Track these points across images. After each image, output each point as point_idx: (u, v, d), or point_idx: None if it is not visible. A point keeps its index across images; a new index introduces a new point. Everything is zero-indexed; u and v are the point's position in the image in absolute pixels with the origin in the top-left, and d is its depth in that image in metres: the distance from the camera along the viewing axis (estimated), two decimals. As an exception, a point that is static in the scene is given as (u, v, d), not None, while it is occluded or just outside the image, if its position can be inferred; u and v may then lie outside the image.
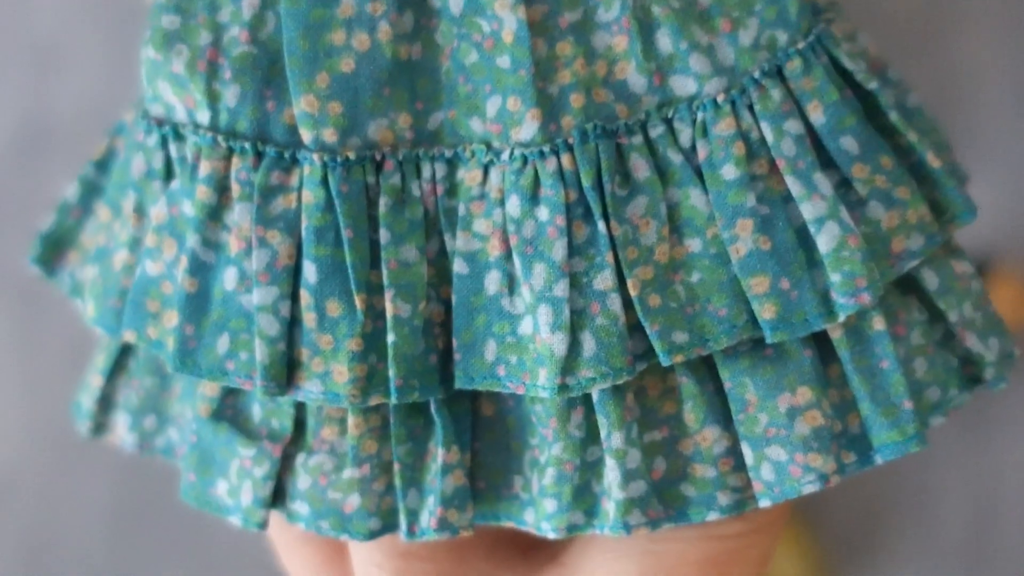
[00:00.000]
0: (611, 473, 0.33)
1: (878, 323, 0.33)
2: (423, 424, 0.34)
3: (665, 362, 0.32)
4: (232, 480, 0.35)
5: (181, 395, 0.37)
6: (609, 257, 0.32)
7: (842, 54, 0.33)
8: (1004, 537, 0.68)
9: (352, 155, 0.33)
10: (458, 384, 0.33)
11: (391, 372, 0.33)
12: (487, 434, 0.35)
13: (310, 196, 0.33)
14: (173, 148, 0.34)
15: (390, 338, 0.33)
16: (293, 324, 0.33)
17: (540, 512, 0.34)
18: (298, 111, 0.33)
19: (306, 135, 0.33)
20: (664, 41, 0.32)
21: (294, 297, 0.33)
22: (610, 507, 0.33)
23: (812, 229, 0.32)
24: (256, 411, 0.35)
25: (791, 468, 0.33)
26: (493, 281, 0.33)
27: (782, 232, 0.32)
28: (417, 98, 0.33)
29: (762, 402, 0.33)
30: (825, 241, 0.32)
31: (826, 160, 0.33)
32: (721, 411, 0.34)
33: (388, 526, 0.35)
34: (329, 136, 0.33)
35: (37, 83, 0.68)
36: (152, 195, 0.35)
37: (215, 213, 0.33)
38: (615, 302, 0.32)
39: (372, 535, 0.34)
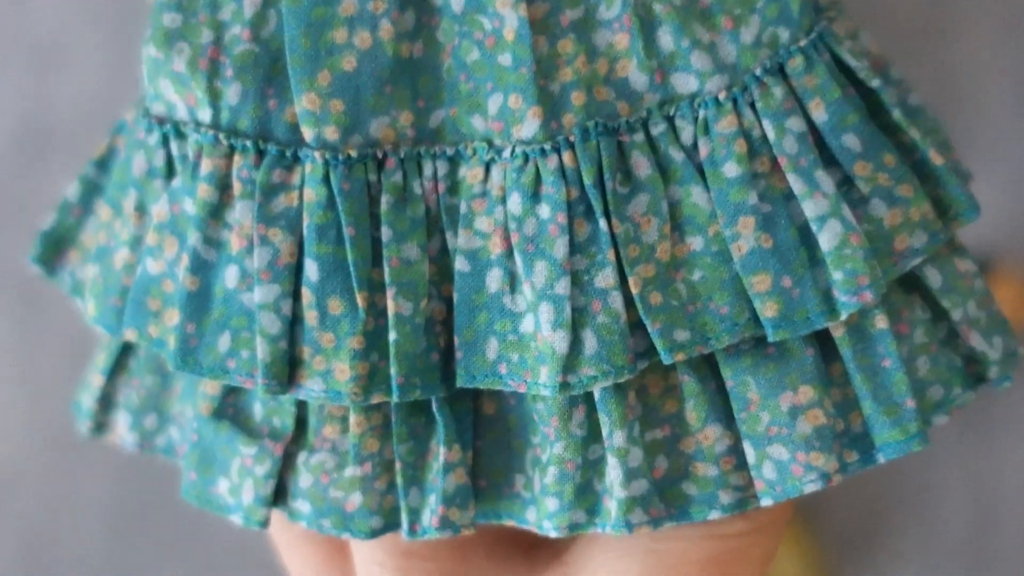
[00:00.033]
0: (613, 471, 0.33)
1: (880, 321, 0.33)
2: (425, 422, 0.34)
3: (666, 360, 0.32)
4: (233, 479, 0.35)
5: (182, 394, 0.37)
6: (610, 255, 0.32)
7: (844, 52, 0.33)
8: (1004, 537, 0.68)
9: (354, 153, 0.33)
10: (460, 382, 0.33)
11: (393, 370, 0.33)
12: (489, 433, 0.35)
13: (312, 194, 0.33)
14: (174, 146, 0.34)
15: (392, 336, 0.33)
16: (295, 322, 0.33)
17: (542, 511, 0.34)
18: (300, 109, 0.33)
19: (308, 133, 0.33)
20: (665, 39, 0.32)
21: (295, 295, 0.33)
22: (612, 506, 0.33)
23: (814, 227, 0.32)
24: (257, 409, 0.35)
25: (793, 467, 0.33)
26: (494, 279, 0.33)
27: (784, 230, 0.32)
28: (419, 96, 0.33)
29: (764, 401, 0.33)
30: (827, 239, 0.32)
31: (828, 158, 0.33)
32: (723, 410, 0.34)
33: (390, 525, 0.35)
34: (331, 134, 0.33)
35: (37, 83, 0.68)
36: (153, 193, 0.35)
37: (216, 211, 0.33)
38: (616, 300, 0.32)
39: (374, 534, 0.34)
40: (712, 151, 0.32)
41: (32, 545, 0.70)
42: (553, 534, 0.34)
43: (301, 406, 0.35)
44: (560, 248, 0.32)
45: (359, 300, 0.33)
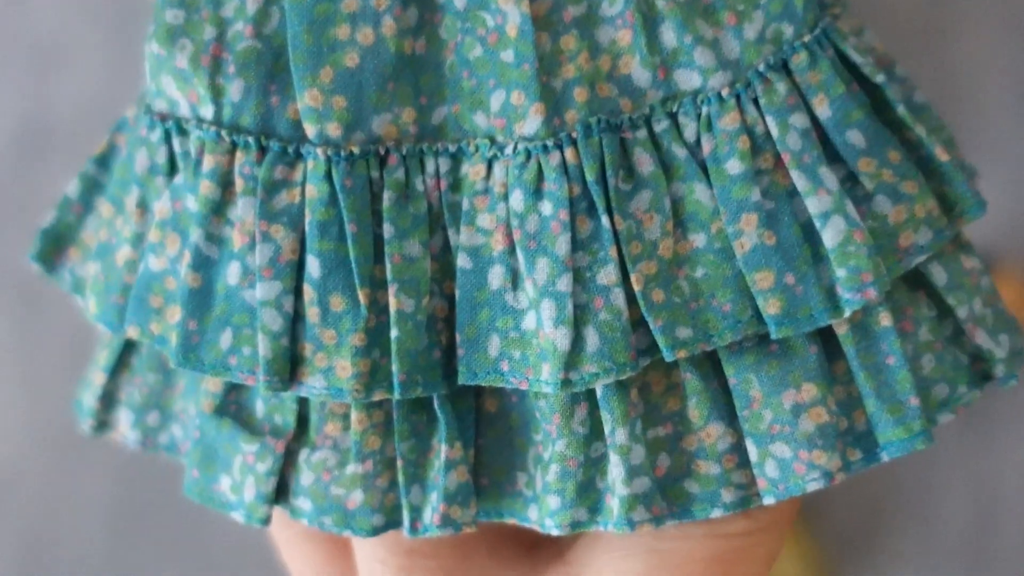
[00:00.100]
0: (615, 469, 0.33)
1: (884, 319, 0.33)
2: (426, 420, 0.34)
3: (668, 357, 0.32)
4: (235, 476, 0.35)
5: (184, 391, 0.37)
6: (613, 252, 0.32)
7: (848, 48, 0.33)
8: (1004, 537, 0.68)
9: (356, 150, 0.33)
10: (461, 380, 0.33)
11: (394, 367, 0.33)
12: (490, 430, 0.35)
13: (314, 191, 0.33)
14: (176, 143, 0.34)
15: (393, 333, 0.33)
16: (296, 319, 0.33)
17: (543, 509, 0.34)
18: (302, 106, 0.32)
19: (310, 130, 0.33)
20: (668, 35, 0.32)
21: (297, 292, 0.33)
22: (614, 503, 0.33)
23: (817, 224, 0.32)
24: (259, 407, 0.35)
25: (795, 465, 0.33)
26: (496, 276, 0.33)
27: (787, 227, 0.32)
28: (421, 93, 0.33)
29: (767, 398, 0.33)
30: (831, 236, 0.32)
31: (832, 154, 0.33)
32: (725, 407, 0.33)
33: (391, 522, 0.35)
34: (333, 130, 0.33)
35: (37, 83, 0.68)
36: (155, 190, 0.35)
37: (219, 208, 0.33)
38: (618, 297, 0.32)
39: (375, 531, 0.34)
40: (715, 148, 0.32)
41: (32, 545, 0.70)
42: (555, 532, 0.34)
43: (303, 403, 0.35)
44: (562, 245, 0.32)
45: (361, 297, 0.33)
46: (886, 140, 0.33)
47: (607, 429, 0.33)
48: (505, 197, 0.33)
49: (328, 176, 0.33)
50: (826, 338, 0.33)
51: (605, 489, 0.34)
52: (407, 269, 0.33)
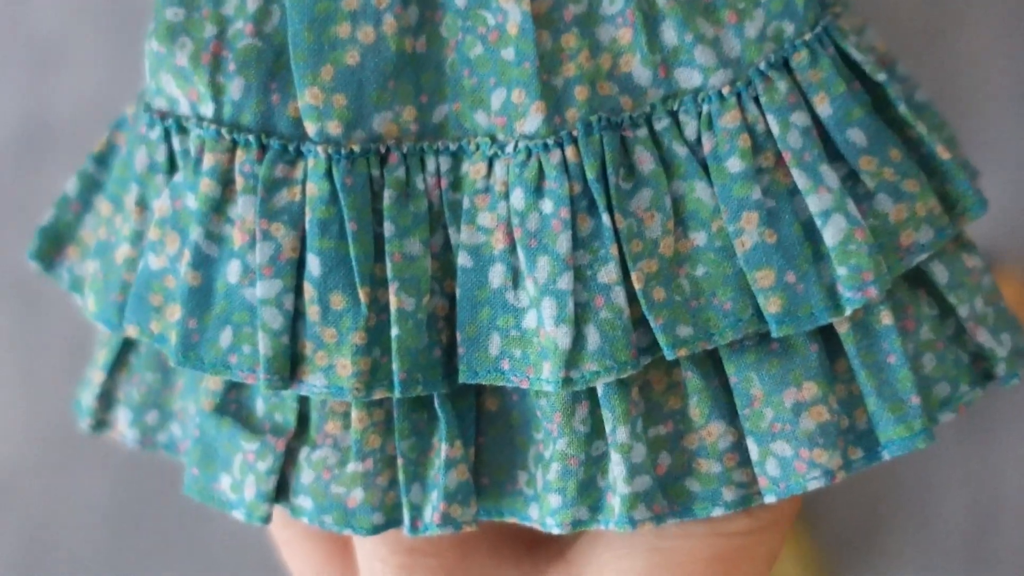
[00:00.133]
0: (616, 468, 0.33)
1: (886, 317, 0.33)
2: (427, 419, 0.34)
3: (669, 356, 0.32)
4: (235, 474, 0.35)
5: (184, 390, 0.37)
6: (613, 250, 0.32)
7: (850, 46, 0.33)
8: (1004, 537, 0.68)
9: (356, 148, 0.33)
10: (462, 378, 0.33)
11: (395, 366, 0.33)
12: (491, 429, 0.35)
13: (314, 189, 0.33)
14: (176, 141, 0.34)
15: (394, 332, 0.33)
16: (297, 317, 0.33)
17: (545, 508, 0.34)
18: (303, 104, 0.32)
19: (310, 128, 0.33)
20: (669, 33, 0.32)
21: (298, 290, 0.33)
22: (615, 502, 0.33)
23: (818, 222, 0.32)
24: (259, 405, 0.35)
25: (796, 464, 0.33)
26: (497, 274, 0.33)
27: (788, 225, 0.32)
28: (422, 91, 0.33)
29: (768, 397, 0.33)
30: (831, 234, 0.32)
31: (833, 153, 0.33)
32: (726, 406, 0.33)
33: (391, 521, 0.35)
34: (334, 129, 0.33)
35: (37, 82, 0.68)
36: (155, 188, 0.35)
37: (219, 206, 0.33)
38: (619, 295, 0.32)
39: (375, 530, 0.34)
40: (716, 146, 0.32)
41: (32, 545, 0.69)
42: (556, 531, 0.34)
43: (303, 402, 0.35)
44: (563, 243, 0.32)
45: (361, 295, 0.33)
46: (887, 138, 0.33)
47: (608, 427, 0.33)
48: (506, 195, 0.33)
49: (328, 174, 0.33)
50: (827, 336, 0.33)
51: (606, 488, 0.34)
52: (407, 267, 0.33)
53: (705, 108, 0.32)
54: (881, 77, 0.33)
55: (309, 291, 0.33)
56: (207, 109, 0.33)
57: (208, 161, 0.33)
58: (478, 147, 0.33)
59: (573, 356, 0.32)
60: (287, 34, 0.32)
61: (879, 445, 0.33)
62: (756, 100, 0.32)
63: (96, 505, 0.69)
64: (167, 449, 0.38)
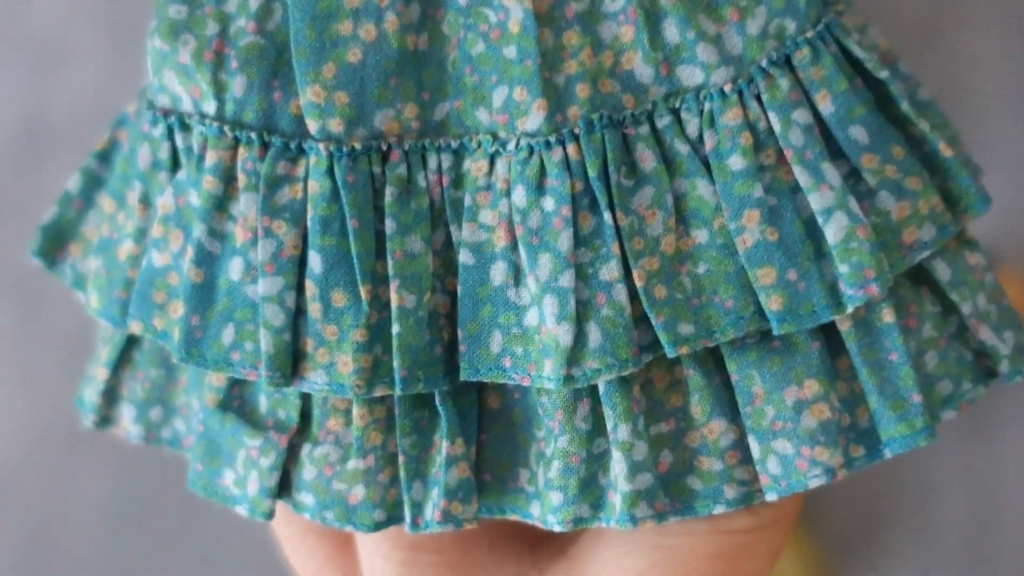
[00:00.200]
0: (617, 465, 0.33)
1: (887, 315, 0.33)
2: (428, 416, 0.34)
3: (671, 354, 0.32)
4: (239, 470, 0.35)
5: (187, 386, 0.37)
6: (615, 248, 0.32)
7: (852, 43, 0.33)
8: (1004, 537, 0.68)
9: (358, 145, 0.33)
10: (463, 376, 0.33)
11: (396, 363, 0.33)
12: (493, 426, 0.35)
13: (316, 186, 0.33)
14: (179, 138, 0.34)
15: (395, 329, 0.33)
16: (298, 314, 0.33)
17: (546, 505, 0.34)
18: (304, 101, 0.32)
19: (312, 125, 0.33)
20: (671, 31, 0.32)
21: (299, 288, 0.33)
22: (616, 500, 0.33)
23: (820, 220, 0.32)
24: (262, 402, 0.35)
25: (797, 462, 0.33)
26: (499, 272, 0.33)
27: (789, 223, 0.32)
28: (423, 88, 0.33)
29: (769, 395, 0.33)
30: (833, 232, 0.32)
31: (835, 150, 0.33)
32: (728, 404, 0.33)
33: (393, 518, 0.35)
34: (335, 126, 0.33)
35: (37, 81, 0.68)
36: (158, 186, 0.35)
37: (221, 203, 0.33)
38: (621, 293, 0.32)
39: (377, 526, 0.34)
40: (717, 144, 0.32)
41: (32, 545, 0.69)
42: (557, 528, 0.34)
43: (306, 398, 0.35)
44: (564, 241, 0.32)
45: (363, 293, 0.33)
46: (889, 136, 0.33)
47: (609, 425, 0.33)
48: (507, 193, 0.33)
49: (330, 172, 0.33)
50: (829, 334, 0.33)
51: (607, 485, 0.34)
52: (409, 265, 0.33)
53: (707, 106, 0.32)
54: (883, 74, 0.33)
55: (311, 288, 0.33)
56: (209, 106, 0.33)
57: (211, 158, 0.33)
58: (480, 144, 0.33)
59: (574, 354, 0.32)
60: (289, 32, 0.33)
61: (881, 443, 0.33)
62: (758, 98, 0.32)
63: (96, 504, 0.69)
64: (171, 445, 0.38)
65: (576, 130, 0.32)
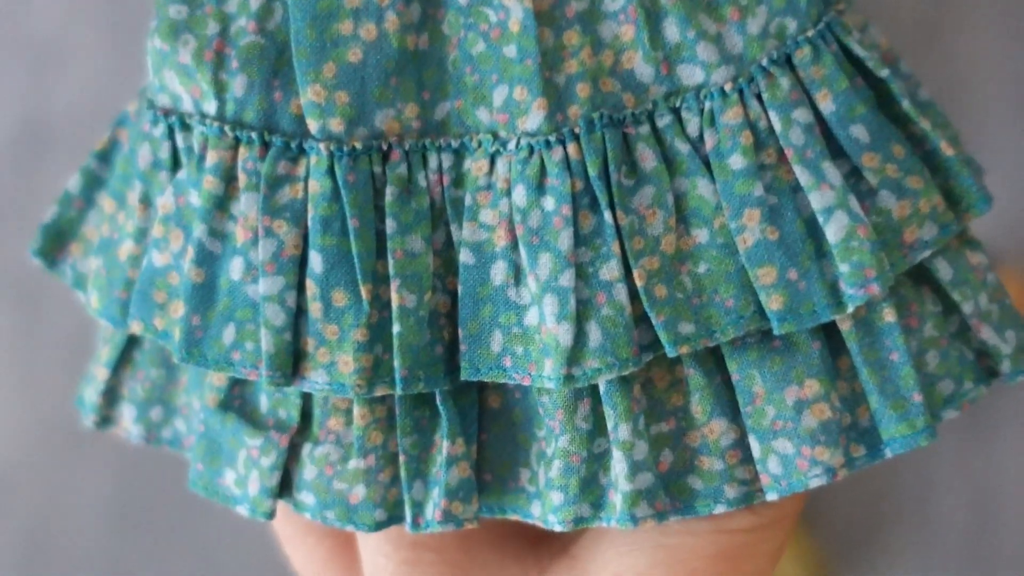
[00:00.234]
0: (618, 465, 0.33)
1: (888, 315, 0.33)
2: (429, 415, 0.34)
3: (671, 353, 0.32)
4: (239, 470, 0.35)
5: (188, 385, 0.37)
6: (615, 247, 0.32)
7: (853, 42, 0.33)
8: (1004, 537, 0.68)
9: (359, 145, 0.33)
10: (464, 375, 0.33)
11: (396, 363, 0.33)
12: (494, 426, 0.35)
13: (316, 186, 0.33)
14: (179, 138, 0.34)
15: (395, 328, 0.33)
16: (299, 314, 0.33)
17: (547, 505, 0.34)
18: (305, 101, 0.33)
19: (313, 125, 0.33)
20: (671, 30, 0.32)
21: (300, 287, 0.33)
22: (617, 499, 0.33)
23: (821, 219, 0.32)
24: (263, 401, 0.35)
25: (798, 461, 0.33)
26: (499, 271, 0.33)
27: (790, 222, 0.32)
28: (424, 88, 0.33)
29: (769, 394, 0.33)
30: (834, 231, 0.32)
31: (836, 149, 0.33)
32: (729, 403, 0.33)
33: (394, 517, 0.35)
34: (336, 126, 0.33)
35: (37, 81, 0.68)
36: (158, 185, 0.35)
37: (222, 203, 0.33)
38: (621, 292, 0.32)
39: (378, 526, 0.34)
40: (718, 143, 0.32)
41: (32, 545, 0.69)
42: (558, 528, 0.34)
43: (306, 398, 0.35)
44: (565, 240, 0.32)
45: (363, 292, 0.33)
46: (890, 135, 0.33)
47: (610, 425, 0.33)
48: (508, 192, 0.33)
49: (331, 171, 0.33)
50: (830, 333, 0.33)
51: (608, 485, 0.34)
52: (409, 265, 0.33)
53: (707, 105, 0.32)
54: (884, 73, 0.33)
55: (311, 288, 0.33)
56: (210, 106, 0.33)
57: (211, 158, 0.33)
58: (480, 144, 0.33)
59: (575, 353, 0.32)
60: (290, 31, 0.33)
61: (881, 443, 0.33)
62: (758, 97, 0.32)
63: (96, 504, 0.69)
64: (171, 445, 0.38)
65: (576, 129, 0.32)
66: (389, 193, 0.33)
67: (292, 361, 0.33)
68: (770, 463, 0.33)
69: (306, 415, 0.35)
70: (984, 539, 0.68)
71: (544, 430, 0.34)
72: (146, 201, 0.35)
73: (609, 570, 0.35)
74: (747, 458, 0.34)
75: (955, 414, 0.34)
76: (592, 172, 0.32)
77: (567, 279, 0.32)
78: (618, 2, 0.32)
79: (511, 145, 0.33)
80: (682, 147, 0.33)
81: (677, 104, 0.33)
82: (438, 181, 0.33)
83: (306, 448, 0.35)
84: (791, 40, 0.33)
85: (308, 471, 0.35)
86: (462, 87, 0.33)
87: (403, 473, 0.34)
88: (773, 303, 0.32)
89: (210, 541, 0.70)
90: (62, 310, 0.68)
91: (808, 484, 0.33)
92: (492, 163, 0.33)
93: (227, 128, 0.33)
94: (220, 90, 0.33)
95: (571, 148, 0.32)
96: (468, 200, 0.33)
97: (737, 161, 0.32)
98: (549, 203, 0.32)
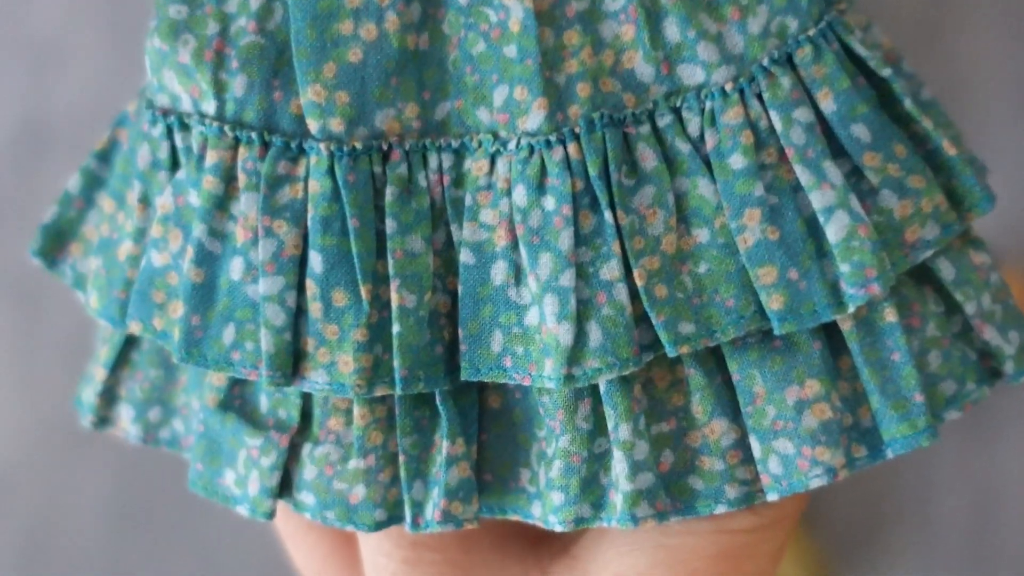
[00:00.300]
0: (618, 465, 0.33)
1: (890, 315, 0.33)
2: (429, 415, 0.34)
3: (671, 353, 0.32)
4: (239, 470, 0.35)
5: (187, 386, 0.37)
6: (616, 247, 0.32)
7: (854, 41, 0.33)
8: (1004, 537, 0.68)
9: (359, 145, 0.33)
10: (464, 375, 0.33)
11: (396, 363, 0.33)
12: (494, 426, 0.35)
13: (316, 186, 0.33)
14: (179, 138, 0.34)
15: (395, 328, 0.33)
16: (299, 314, 0.33)
17: (547, 505, 0.34)
18: (305, 101, 0.32)
19: (313, 125, 0.33)
20: (672, 30, 0.32)
21: (300, 287, 0.33)
22: (617, 499, 0.33)
23: (821, 219, 0.32)
24: (263, 401, 0.35)
25: (798, 461, 0.33)
26: (499, 271, 0.33)
27: (791, 222, 0.32)
28: (424, 88, 0.33)
29: (770, 394, 0.33)
30: (834, 231, 0.32)
31: (837, 149, 0.33)
32: (729, 403, 0.33)
33: (394, 517, 0.35)
34: (336, 126, 0.33)
35: (37, 81, 0.68)
36: (158, 185, 0.35)
37: (222, 203, 0.33)
38: (621, 292, 0.32)
39: (378, 526, 0.34)
40: (718, 142, 0.32)
41: (32, 545, 0.69)
42: (558, 528, 0.34)
43: (306, 398, 0.35)
44: (565, 240, 0.32)
45: (363, 292, 0.33)
46: (892, 134, 0.33)
47: (610, 425, 0.33)
48: (508, 192, 0.33)
49: (331, 171, 0.33)
50: (831, 333, 0.33)
51: (609, 485, 0.34)
52: (409, 265, 0.33)
53: (708, 104, 0.32)
54: (886, 72, 0.33)
55: (311, 288, 0.33)
56: (209, 106, 0.33)
57: (211, 158, 0.33)
58: (480, 144, 0.33)
59: (575, 353, 0.32)
60: (290, 31, 0.33)
61: (883, 443, 0.33)
62: (759, 96, 0.32)
63: (96, 504, 0.69)
64: (169, 445, 0.38)
65: (577, 129, 0.32)
66: (389, 193, 0.33)
67: (292, 361, 0.33)
68: (771, 463, 0.33)
69: (306, 415, 0.35)
70: (985, 540, 0.68)
71: (544, 430, 0.34)
72: (145, 201, 0.35)
73: (610, 570, 0.35)
74: (748, 458, 0.34)
75: (957, 415, 0.34)
76: (592, 172, 0.32)
77: (567, 279, 0.32)
78: (618, 2, 0.32)
79: (511, 145, 0.33)
80: (683, 147, 0.32)
81: (678, 104, 0.33)
82: (438, 181, 0.33)
83: (306, 448, 0.35)
84: (792, 39, 0.32)
85: (308, 471, 0.35)
86: (462, 87, 0.33)
87: (403, 473, 0.34)
88: (774, 303, 0.32)
89: (210, 541, 0.70)
90: (62, 310, 0.68)
91: (809, 484, 0.33)
92: (492, 163, 0.33)
93: (227, 128, 0.33)
94: (220, 90, 0.33)
95: (571, 148, 0.32)
96: (468, 200, 0.33)
97: (738, 161, 0.32)
98: (549, 203, 0.32)
